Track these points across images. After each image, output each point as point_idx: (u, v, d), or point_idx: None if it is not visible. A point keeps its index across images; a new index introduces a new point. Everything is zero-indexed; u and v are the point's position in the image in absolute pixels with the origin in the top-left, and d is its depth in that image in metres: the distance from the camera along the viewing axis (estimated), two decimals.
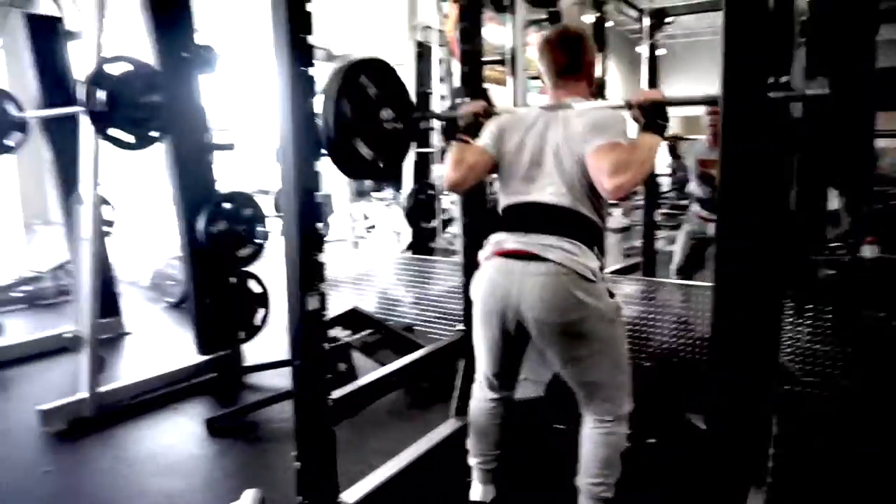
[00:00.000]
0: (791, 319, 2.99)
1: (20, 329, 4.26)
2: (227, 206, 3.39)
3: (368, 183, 7.82)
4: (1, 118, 3.87)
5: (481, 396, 2.04)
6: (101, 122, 2.86)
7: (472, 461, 2.08)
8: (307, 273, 1.86)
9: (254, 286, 3.59)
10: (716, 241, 1.36)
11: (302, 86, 1.81)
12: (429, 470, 2.31)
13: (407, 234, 5.17)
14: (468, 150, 1.91)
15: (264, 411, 2.95)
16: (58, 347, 3.58)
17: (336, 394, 2.01)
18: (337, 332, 3.77)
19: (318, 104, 1.90)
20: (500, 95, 3.44)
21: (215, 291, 3.40)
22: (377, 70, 2.03)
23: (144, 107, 2.99)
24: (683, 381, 2.87)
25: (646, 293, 3.45)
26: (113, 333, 4.28)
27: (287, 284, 1.89)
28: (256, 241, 3.52)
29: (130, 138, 2.97)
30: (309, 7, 1.79)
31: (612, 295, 1.77)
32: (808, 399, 2.91)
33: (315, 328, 1.89)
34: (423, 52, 5.14)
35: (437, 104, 4.82)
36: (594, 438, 1.80)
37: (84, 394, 2.92)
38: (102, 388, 3.01)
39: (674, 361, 3.03)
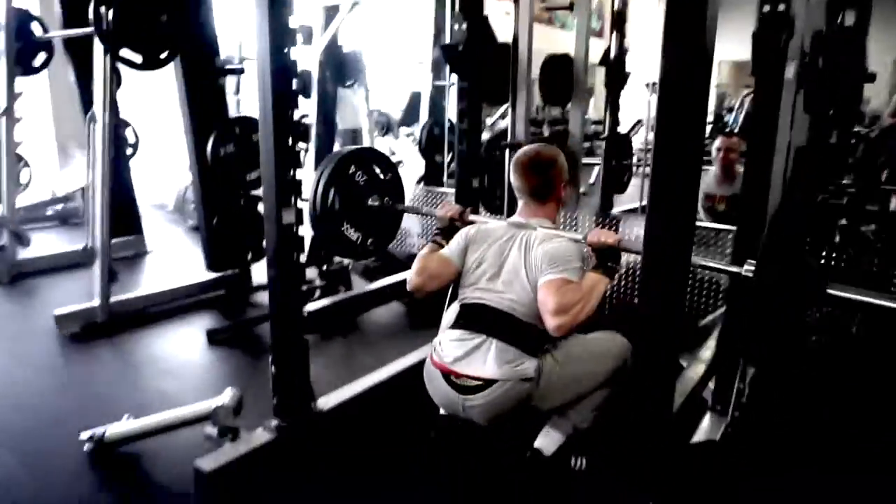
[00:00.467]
0: None
1: (49, 244, 4.49)
2: (236, 129, 3.47)
3: (395, 118, 7.86)
4: (26, 39, 3.99)
5: None
6: (110, 41, 2.93)
7: None
8: (283, 189, 1.95)
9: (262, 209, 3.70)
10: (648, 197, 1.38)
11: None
12: (404, 386, 2.42)
13: (421, 168, 5.22)
14: (433, 259, 2.01)
15: (264, 326, 3.09)
16: (80, 261, 3.81)
17: (310, 307, 2.12)
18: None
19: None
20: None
21: (224, 212, 3.52)
22: (367, 159, 2.25)
23: (154, 27, 3.04)
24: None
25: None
26: (134, 251, 4.52)
27: (264, 199, 1.98)
28: None
29: (139, 59, 3.04)
30: None
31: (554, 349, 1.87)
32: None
33: (290, 241, 1.99)
34: None
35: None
36: None
37: (96, 301, 3.12)
38: (115, 298, 3.21)
39: None
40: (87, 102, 4.05)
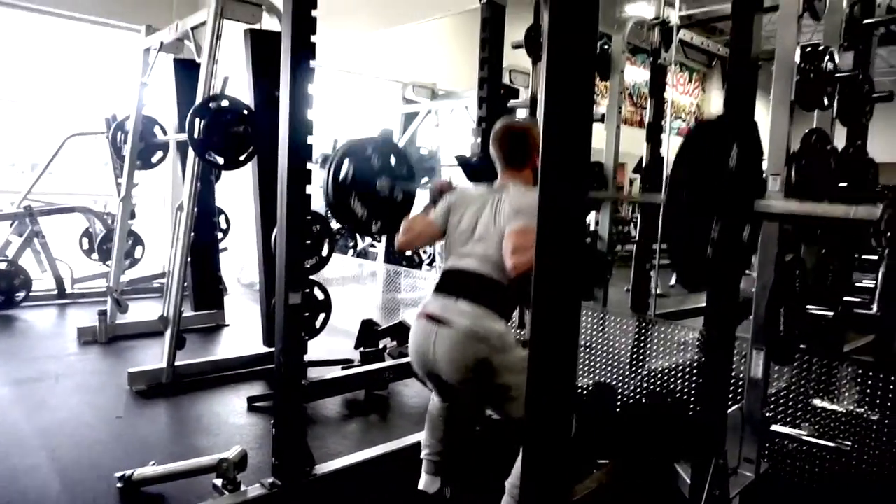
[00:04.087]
0: None
1: (147, 312, 5.15)
2: None
3: None
4: (148, 140, 4.82)
5: (435, 397, 2.34)
6: (199, 146, 3.56)
7: (423, 453, 2.37)
8: (292, 275, 2.32)
9: (317, 293, 4.12)
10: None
11: (302, 104, 2.24)
12: (399, 461, 2.63)
13: None
14: (418, 220, 2.32)
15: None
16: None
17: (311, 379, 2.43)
18: (386, 341, 4.22)
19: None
20: None
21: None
22: (388, 151, 2.63)
23: (235, 136, 3.66)
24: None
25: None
26: (213, 323, 5.08)
27: (277, 283, 2.35)
28: (322, 254, 4.07)
29: (221, 160, 3.65)
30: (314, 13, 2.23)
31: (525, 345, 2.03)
32: None
33: (294, 320, 2.33)
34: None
35: None
36: None
37: (163, 365, 3.60)
38: (181, 362, 3.69)
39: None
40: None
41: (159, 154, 4.93)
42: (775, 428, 2.70)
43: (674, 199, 1.19)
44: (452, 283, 2.11)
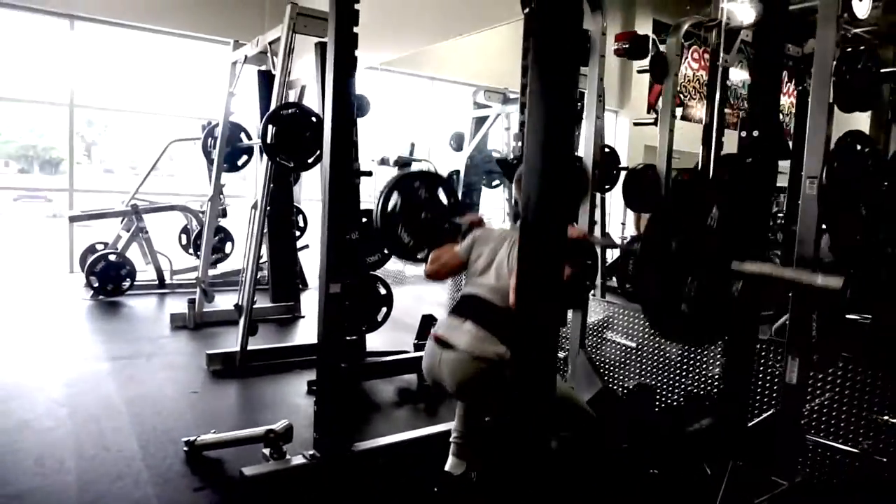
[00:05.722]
0: None
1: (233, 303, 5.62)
2: (363, 219, 4.25)
3: None
4: (236, 144, 5.28)
5: None
6: (271, 150, 3.90)
7: (451, 437, 2.54)
8: (333, 267, 2.55)
9: (380, 288, 4.39)
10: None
11: (344, 109, 2.49)
12: (434, 445, 2.79)
13: None
14: (446, 252, 2.55)
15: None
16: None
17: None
18: None
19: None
20: None
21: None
22: (434, 182, 2.96)
23: (304, 141, 3.98)
24: None
25: None
26: (290, 314, 5.47)
27: (318, 275, 2.60)
28: (384, 251, 4.32)
29: (291, 164, 3.98)
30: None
31: None
32: None
33: (335, 308, 2.57)
34: None
35: None
36: None
37: (237, 348, 3.98)
38: (253, 346, 4.06)
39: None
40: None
41: (244, 158, 5.38)
42: (811, 437, 2.67)
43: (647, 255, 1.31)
44: (463, 307, 2.34)
